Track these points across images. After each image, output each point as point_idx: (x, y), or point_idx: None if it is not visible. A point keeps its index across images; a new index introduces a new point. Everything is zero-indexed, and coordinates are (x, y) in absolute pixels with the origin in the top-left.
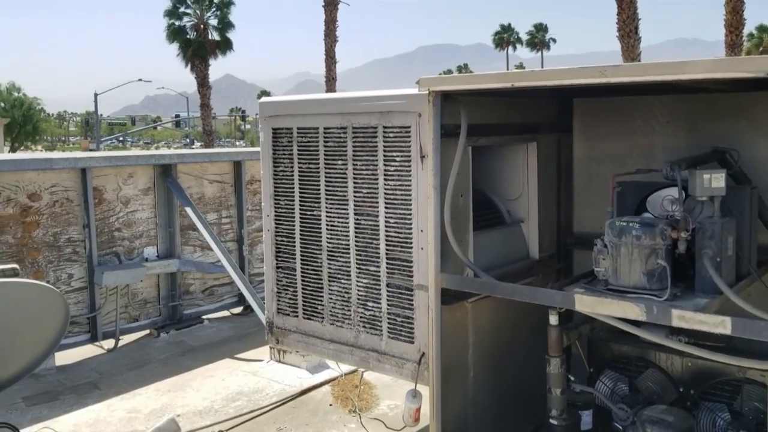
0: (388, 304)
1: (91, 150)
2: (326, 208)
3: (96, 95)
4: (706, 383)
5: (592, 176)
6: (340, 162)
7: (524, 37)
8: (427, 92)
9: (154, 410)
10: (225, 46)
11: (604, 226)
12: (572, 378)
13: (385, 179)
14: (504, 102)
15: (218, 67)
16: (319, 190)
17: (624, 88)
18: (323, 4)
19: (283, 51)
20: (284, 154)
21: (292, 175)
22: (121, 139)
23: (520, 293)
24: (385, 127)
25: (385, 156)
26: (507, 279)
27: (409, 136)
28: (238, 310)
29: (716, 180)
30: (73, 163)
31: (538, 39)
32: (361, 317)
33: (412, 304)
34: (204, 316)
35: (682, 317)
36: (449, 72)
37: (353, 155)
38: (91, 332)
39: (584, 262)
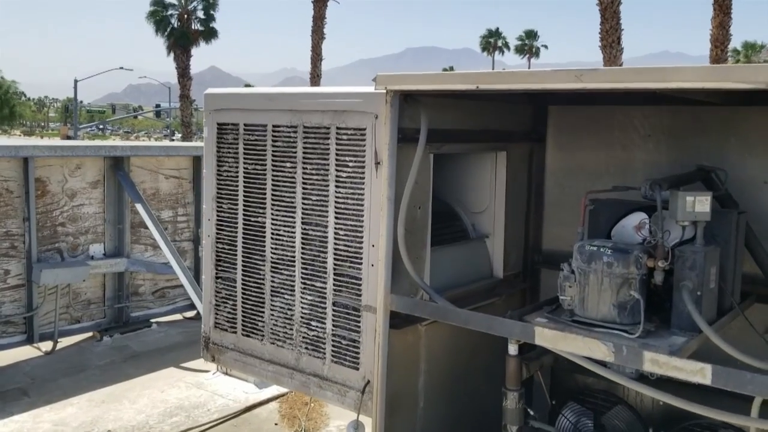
0: (333, 325)
1: (69, 137)
2: (272, 215)
3: (76, 82)
4: (678, 425)
5: (564, 190)
6: (288, 164)
7: (514, 43)
8: (385, 91)
9: (83, 423)
10: (209, 35)
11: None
12: (532, 412)
13: (336, 186)
14: (472, 106)
15: (203, 59)
16: (265, 194)
17: (603, 97)
18: (312, 0)
19: (270, 46)
20: (229, 153)
21: (237, 177)
22: (101, 127)
23: (475, 321)
24: (338, 128)
25: (337, 160)
26: (467, 299)
27: (364, 140)
28: (191, 314)
29: (701, 203)
30: (13, 151)
31: (528, 45)
32: (303, 337)
33: (359, 327)
34: (153, 320)
35: (656, 361)
36: None
37: (303, 158)
38: (28, 333)
39: (552, 283)
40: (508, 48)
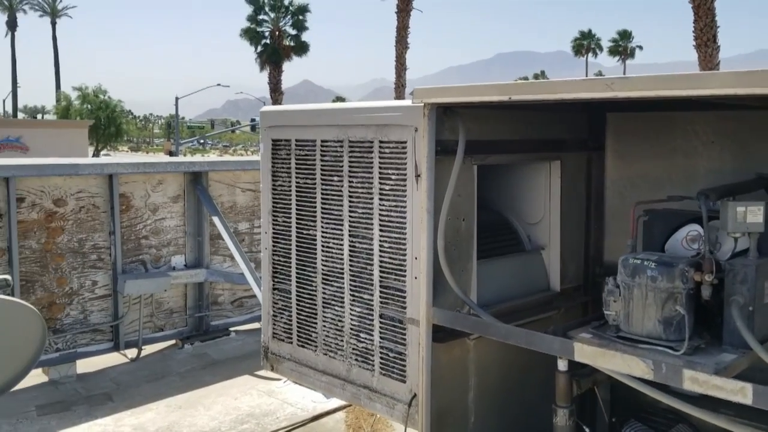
0: (381, 337)
1: (171, 152)
2: (322, 227)
3: (177, 99)
4: None
5: (625, 200)
6: (336, 178)
7: (607, 44)
8: (422, 105)
9: (160, 428)
10: (299, 50)
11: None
12: (587, 430)
13: (380, 199)
14: (519, 116)
15: (297, 73)
16: (315, 207)
17: (663, 103)
18: (395, 10)
19: (360, 57)
20: (283, 168)
21: (290, 191)
22: (201, 141)
23: (515, 336)
24: (381, 142)
25: (380, 173)
26: (521, 313)
27: (405, 153)
28: None
29: (753, 214)
30: (99, 169)
31: (622, 46)
32: (353, 349)
33: (405, 339)
34: (232, 328)
35: (695, 379)
36: (525, 79)
37: (349, 171)
38: (114, 341)
39: None
40: (601, 49)
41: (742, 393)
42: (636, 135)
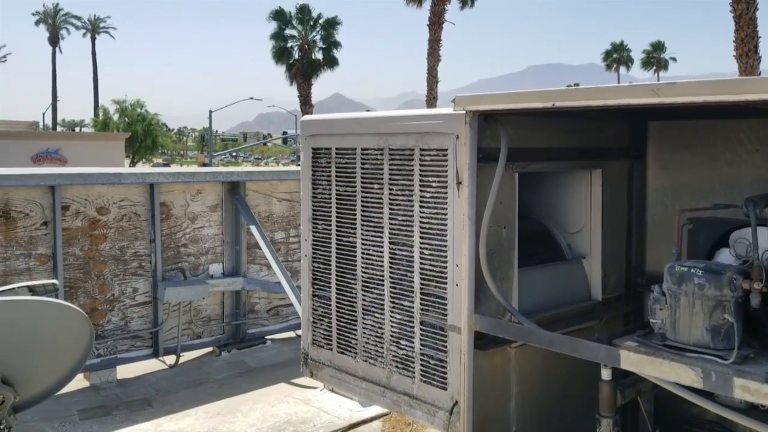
0: (421, 344)
1: (205, 164)
2: (362, 235)
3: (210, 112)
4: None
5: (668, 209)
6: (376, 186)
7: (640, 56)
8: (464, 112)
9: None
10: (329, 64)
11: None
12: None
13: (420, 206)
14: (560, 124)
15: (327, 87)
16: (355, 215)
17: (706, 111)
18: (427, 23)
19: (390, 70)
20: (323, 176)
21: (330, 199)
22: (234, 154)
23: (559, 343)
24: (421, 150)
25: (421, 181)
26: (561, 322)
27: (446, 160)
28: None
29: None
30: (141, 178)
31: (655, 58)
32: (393, 356)
33: (446, 347)
34: (268, 337)
35: (746, 388)
36: None
37: (389, 179)
38: (154, 347)
39: None
40: (632, 62)
41: None
42: (678, 143)
